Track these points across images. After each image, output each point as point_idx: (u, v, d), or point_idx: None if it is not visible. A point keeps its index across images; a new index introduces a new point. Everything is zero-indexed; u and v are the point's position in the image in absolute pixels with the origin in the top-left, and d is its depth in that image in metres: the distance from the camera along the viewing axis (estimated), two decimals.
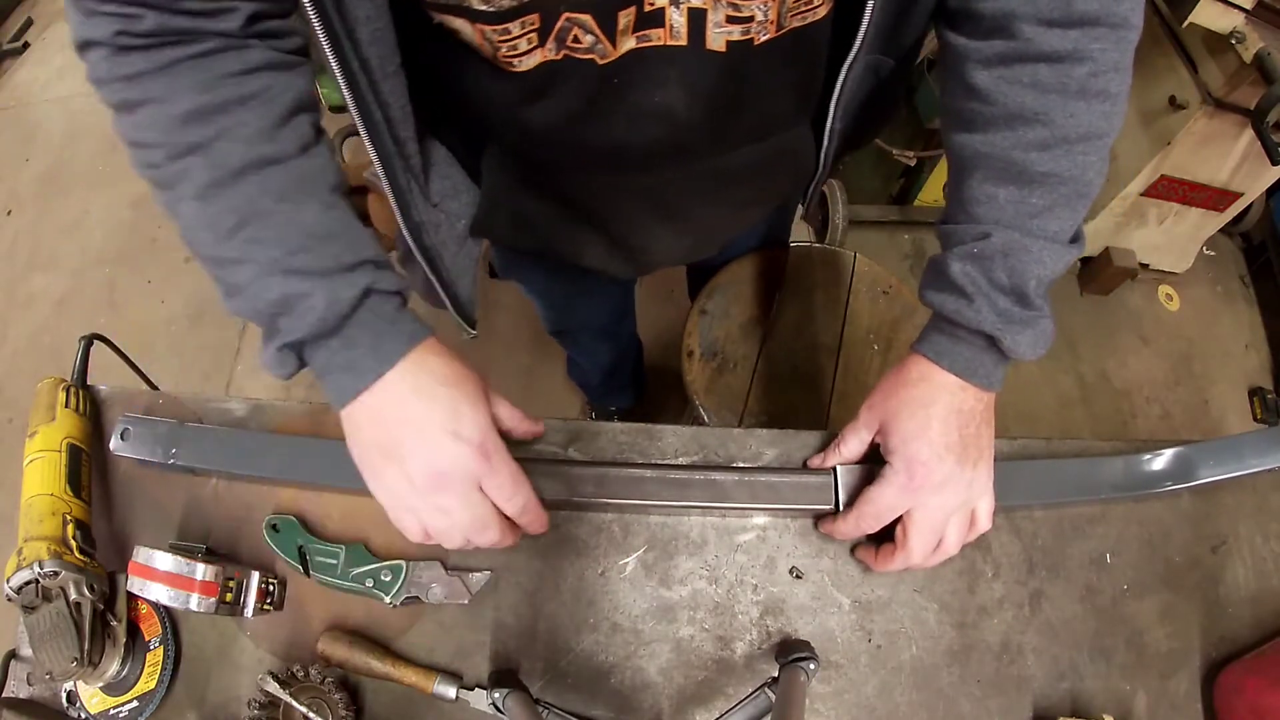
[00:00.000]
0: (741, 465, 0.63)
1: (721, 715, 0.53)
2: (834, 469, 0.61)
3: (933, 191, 1.98)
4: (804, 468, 0.63)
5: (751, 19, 0.47)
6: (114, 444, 0.62)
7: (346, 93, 0.48)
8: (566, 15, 0.45)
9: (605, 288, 1.08)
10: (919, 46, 0.63)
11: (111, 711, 0.58)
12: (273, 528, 0.61)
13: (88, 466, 0.61)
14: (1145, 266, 2.00)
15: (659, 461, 0.65)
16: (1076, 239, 0.52)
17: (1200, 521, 0.66)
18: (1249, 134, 1.55)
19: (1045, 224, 0.50)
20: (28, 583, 0.53)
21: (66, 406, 0.62)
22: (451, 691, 0.57)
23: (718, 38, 0.48)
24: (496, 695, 0.55)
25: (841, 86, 0.58)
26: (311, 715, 0.54)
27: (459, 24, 0.46)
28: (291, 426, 0.66)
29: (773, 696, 0.52)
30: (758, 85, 0.54)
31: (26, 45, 2.53)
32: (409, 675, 0.57)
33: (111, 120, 0.47)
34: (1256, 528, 0.67)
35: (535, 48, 0.47)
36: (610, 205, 0.66)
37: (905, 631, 0.61)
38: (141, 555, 0.54)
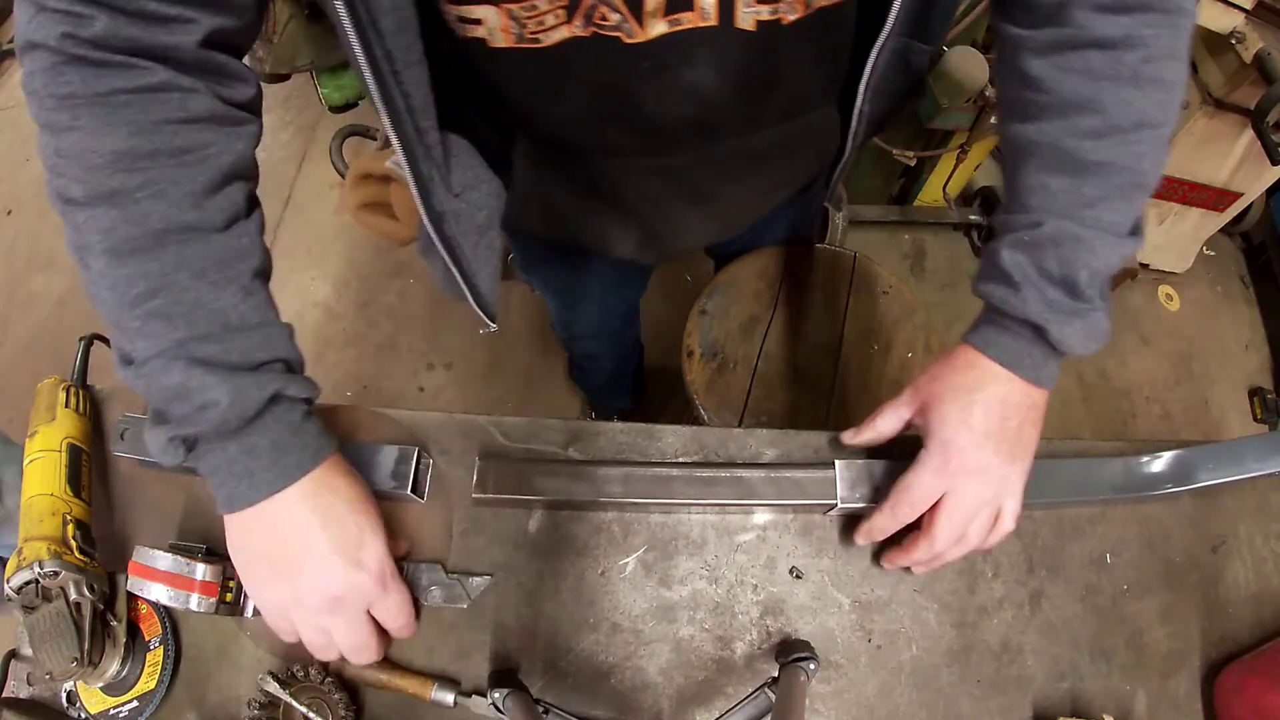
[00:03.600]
0: (741, 462, 0.63)
1: (721, 715, 0.53)
2: (833, 464, 0.61)
3: (932, 191, 1.99)
4: (807, 464, 0.63)
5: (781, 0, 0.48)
6: (114, 444, 0.62)
7: (371, 82, 0.46)
8: None
9: (619, 290, 1.08)
10: (945, 31, 0.63)
11: (111, 711, 0.58)
12: None
13: (88, 466, 0.61)
14: (1145, 266, 2.00)
15: (659, 461, 0.65)
16: (1135, 231, 0.51)
17: (1200, 522, 0.66)
18: (1249, 134, 1.55)
19: (1099, 214, 0.49)
20: (28, 583, 0.53)
21: (67, 406, 0.62)
22: (450, 698, 0.56)
23: (747, 17, 0.48)
24: (496, 695, 0.55)
25: (871, 69, 0.57)
26: (311, 715, 0.54)
27: (483, 12, 0.46)
28: None
29: (773, 696, 0.52)
30: (786, 64, 0.54)
31: None
32: (407, 685, 0.57)
33: (37, 132, 0.43)
34: (1256, 528, 0.67)
35: (562, 24, 0.46)
36: (639, 189, 0.66)
37: (905, 631, 0.61)
38: (141, 555, 0.54)
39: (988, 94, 1.53)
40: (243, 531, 0.49)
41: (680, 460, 0.65)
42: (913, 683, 0.60)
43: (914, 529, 0.58)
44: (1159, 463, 0.64)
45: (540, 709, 0.55)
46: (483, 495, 0.60)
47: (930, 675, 0.60)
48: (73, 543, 0.56)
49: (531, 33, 0.47)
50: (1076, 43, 0.48)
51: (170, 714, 0.59)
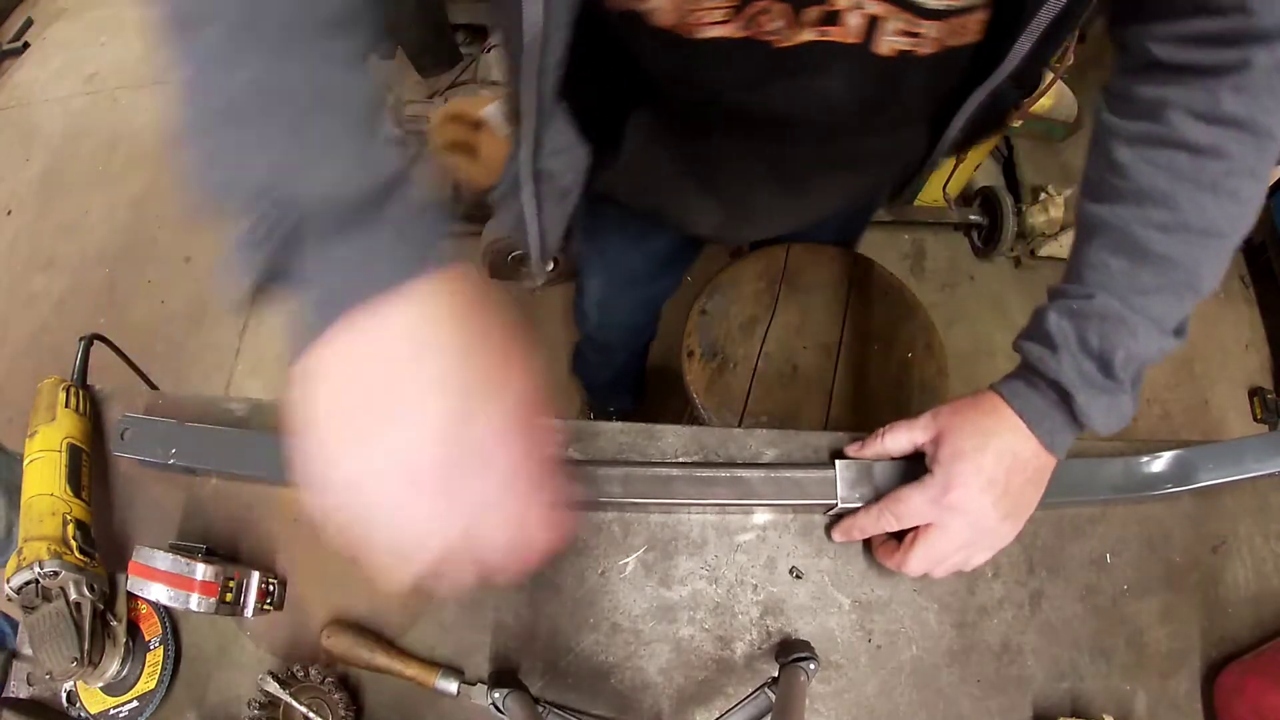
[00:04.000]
0: (741, 463, 0.63)
1: (721, 715, 0.53)
2: (833, 464, 0.61)
3: (932, 191, 1.99)
4: (807, 464, 0.63)
5: (920, 35, 0.51)
6: (114, 444, 0.62)
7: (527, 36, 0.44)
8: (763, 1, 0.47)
9: (664, 276, 1.10)
10: (1039, 81, 0.67)
11: (111, 711, 0.58)
12: None
13: (88, 466, 0.61)
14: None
15: (659, 461, 0.65)
16: (1179, 332, 0.52)
17: (1200, 522, 0.66)
18: None
19: (1149, 303, 0.51)
20: (28, 583, 0.53)
21: (67, 406, 0.62)
22: (453, 686, 0.56)
23: (887, 45, 0.51)
24: (497, 695, 0.55)
25: (971, 107, 0.61)
26: (311, 715, 0.54)
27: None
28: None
29: (773, 696, 0.52)
30: (908, 89, 0.58)
31: (26, 45, 2.53)
32: (411, 668, 0.57)
33: None
34: (1256, 528, 0.67)
35: (723, 22, 0.49)
36: (739, 173, 0.69)
37: (905, 631, 0.61)
38: (141, 555, 0.54)
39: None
40: (335, 367, 0.33)
41: (680, 460, 0.65)
42: (913, 683, 0.60)
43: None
44: (1159, 463, 0.64)
45: (540, 709, 0.55)
46: None
47: (930, 675, 0.60)
48: (73, 543, 0.56)
49: (692, 22, 0.49)
50: (1167, 141, 0.50)
51: (170, 714, 0.59)
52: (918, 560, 0.57)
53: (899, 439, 0.60)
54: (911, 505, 0.56)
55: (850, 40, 0.50)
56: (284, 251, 0.33)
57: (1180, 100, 0.50)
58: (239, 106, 0.34)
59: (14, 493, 0.62)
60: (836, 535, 0.62)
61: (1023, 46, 0.53)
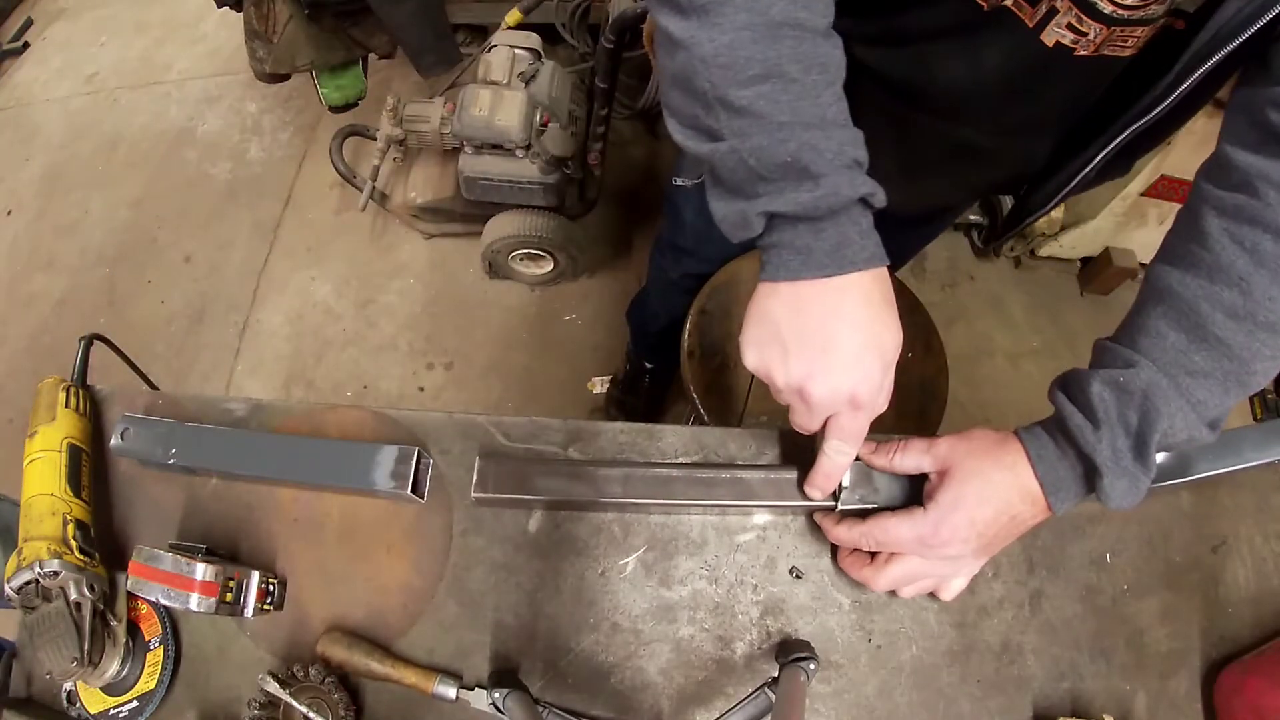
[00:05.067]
0: (741, 463, 0.63)
1: (721, 715, 0.53)
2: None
3: None
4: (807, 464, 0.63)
5: (1085, 35, 0.54)
6: (114, 444, 0.62)
7: None
8: None
9: None
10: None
11: (111, 711, 0.58)
12: None
13: (88, 466, 0.61)
14: (1145, 266, 2.00)
15: (659, 461, 0.65)
16: (1214, 425, 0.51)
17: (1200, 521, 0.66)
18: None
19: (1194, 387, 0.49)
20: (28, 583, 0.53)
21: (66, 406, 0.62)
22: (451, 691, 0.57)
23: (1052, 35, 0.54)
24: (496, 695, 0.55)
25: (1114, 142, 0.61)
26: (311, 715, 0.54)
27: None
28: (291, 426, 0.66)
29: (773, 696, 0.52)
30: (1052, 86, 0.60)
31: (26, 45, 2.53)
32: (409, 676, 0.57)
33: None
34: (1256, 528, 0.67)
35: None
36: (868, 125, 0.70)
37: (905, 631, 0.61)
38: (141, 555, 0.54)
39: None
40: (780, 300, 0.50)
41: (680, 461, 0.65)
42: (913, 683, 0.60)
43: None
44: (1158, 456, 0.64)
45: (540, 709, 0.55)
46: (483, 495, 0.60)
47: (930, 675, 0.60)
48: (73, 543, 0.56)
49: None
50: (1258, 219, 0.48)
51: (170, 714, 0.59)
52: (887, 581, 0.57)
53: (908, 460, 0.59)
54: (896, 537, 0.56)
55: (1029, 22, 0.54)
56: (764, 223, 0.49)
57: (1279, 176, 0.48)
58: (740, 105, 0.46)
59: (9, 539, 0.62)
60: (820, 521, 0.62)
61: (1173, 84, 0.53)
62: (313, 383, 1.86)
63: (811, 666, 0.54)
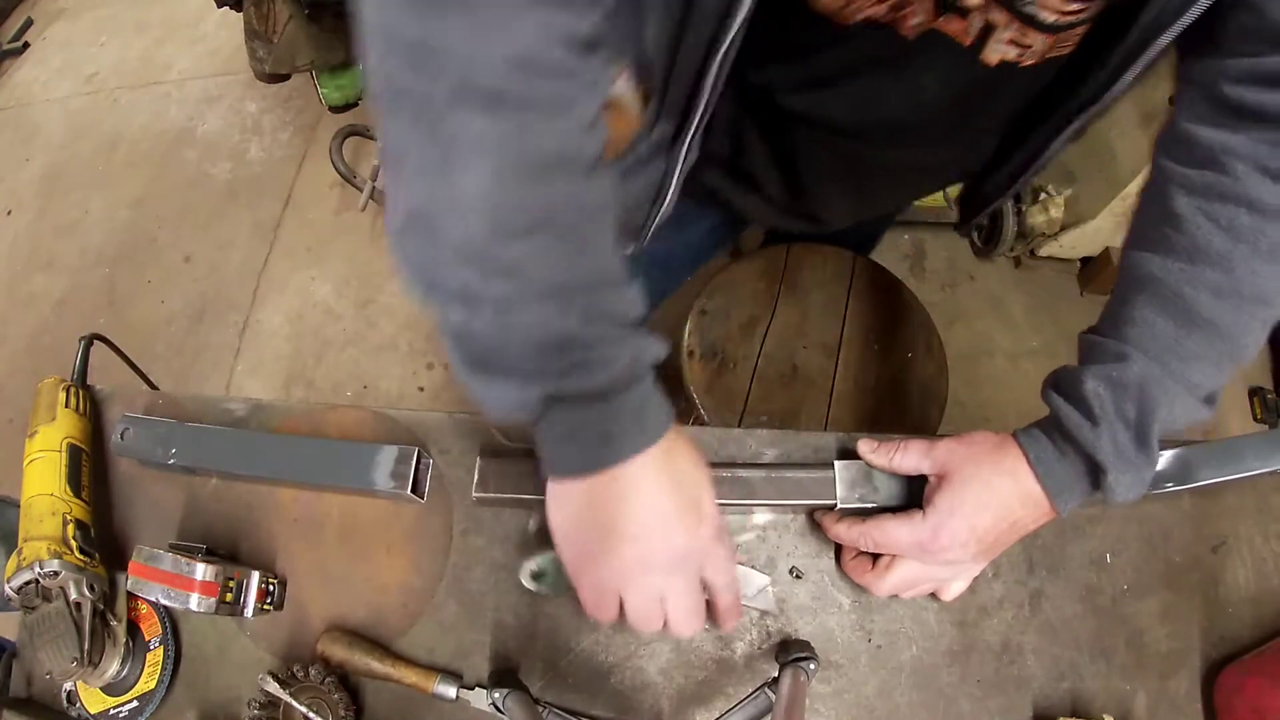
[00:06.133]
0: (741, 463, 0.63)
1: (721, 715, 0.53)
2: (833, 465, 0.61)
3: None
4: (807, 464, 0.63)
5: (1029, 47, 0.50)
6: (114, 444, 0.62)
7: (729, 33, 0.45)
8: None
9: (690, 267, 1.06)
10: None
11: (111, 711, 0.58)
12: (535, 576, 0.60)
13: (88, 466, 0.61)
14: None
15: None
16: (1210, 401, 0.50)
17: (1200, 521, 0.66)
18: None
19: (1189, 371, 0.49)
20: (28, 583, 0.53)
21: (66, 406, 0.62)
22: (451, 691, 0.57)
23: (995, 52, 0.50)
24: (496, 695, 0.55)
25: (1071, 126, 0.59)
26: (311, 715, 0.54)
27: None
28: (291, 426, 0.66)
29: (773, 696, 0.52)
30: (998, 100, 0.58)
31: (26, 45, 2.53)
32: (409, 675, 0.57)
33: (375, 14, 0.36)
34: (1256, 528, 0.67)
35: (874, 4, 0.48)
36: (814, 163, 0.68)
37: (905, 631, 0.61)
38: (141, 555, 0.55)
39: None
40: (570, 498, 0.46)
41: None
42: (913, 683, 0.60)
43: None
44: (1161, 461, 0.64)
45: (540, 709, 0.55)
46: (484, 495, 0.60)
47: (930, 675, 0.60)
48: (73, 543, 0.56)
49: (851, 9, 0.49)
50: (1229, 196, 0.47)
51: (170, 714, 0.59)
52: (888, 586, 0.57)
53: (908, 461, 0.58)
54: (895, 539, 0.55)
55: (965, 42, 0.50)
56: (542, 410, 0.42)
57: (1247, 151, 0.47)
58: (504, 264, 0.38)
59: (10, 539, 0.63)
60: (821, 522, 0.62)
61: (1120, 68, 0.51)
62: (313, 383, 1.86)
63: (811, 666, 0.54)
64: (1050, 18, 0.47)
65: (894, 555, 0.57)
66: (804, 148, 0.67)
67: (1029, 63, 0.51)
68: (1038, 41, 0.49)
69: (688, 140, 0.57)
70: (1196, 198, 0.49)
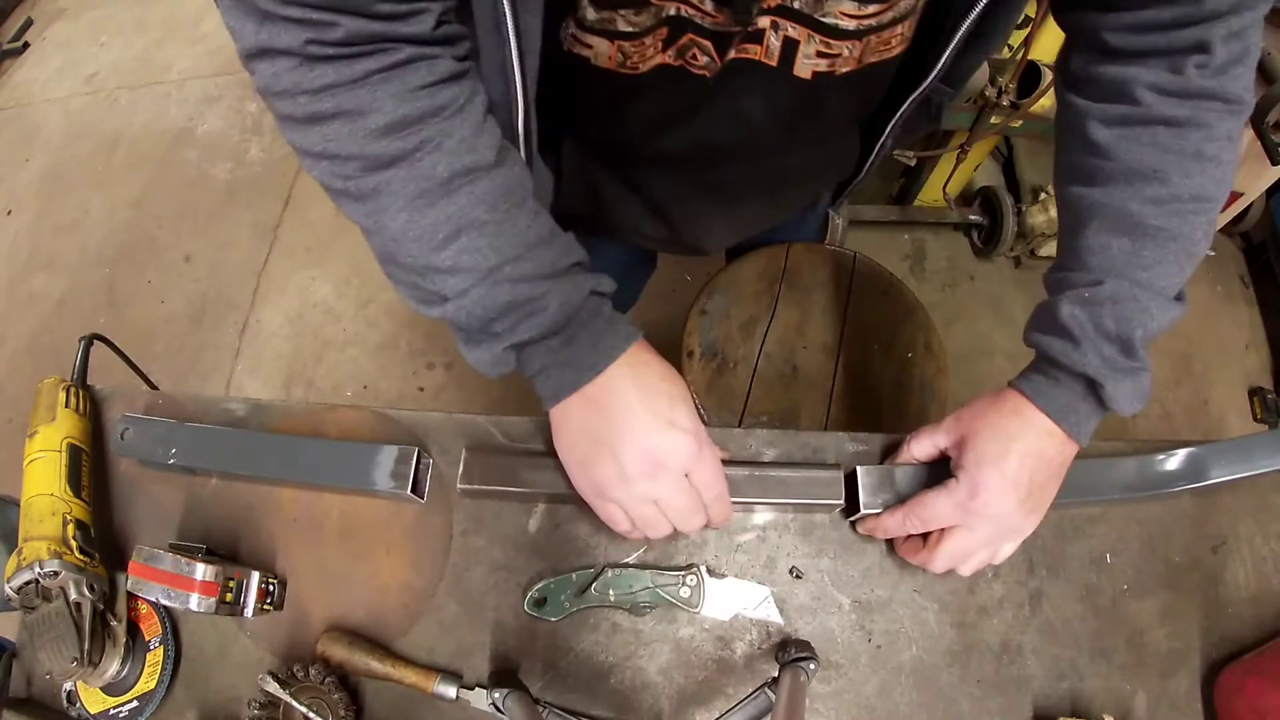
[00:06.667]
0: (742, 461, 0.63)
1: (721, 715, 0.53)
2: (855, 469, 0.61)
3: (932, 191, 1.98)
4: (810, 464, 0.63)
5: (839, 55, 0.52)
6: (114, 444, 0.62)
7: (516, 84, 0.51)
8: (690, 36, 0.50)
9: (624, 280, 1.09)
10: (970, 76, 0.68)
11: (111, 711, 0.58)
12: (537, 603, 0.60)
13: (88, 466, 0.61)
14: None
15: None
16: (1181, 297, 0.53)
17: (1200, 521, 0.66)
18: (1249, 134, 1.55)
19: (1154, 277, 0.51)
20: (28, 583, 0.53)
21: (67, 406, 0.62)
22: (451, 691, 0.57)
23: (805, 67, 0.53)
24: (496, 695, 0.55)
25: (902, 113, 0.63)
26: (311, 715, 0.54)
27: (595, 41, 0.51)
28: (291, 426, 0.66)
29: (773, 696, 0.52)
30: (830, 107, 0.60)
31: (26, 45, 2.53)
32: (409, 675, 0.57)
33: (285, 129, 0.46)
34: (1256, 528, 0.67)
35: (657, 54, 0.51)
36: (673, 194, 0.72)
37: (905, 631, 0.61)
38: (141, 555, 0.54)
39: (987, 94, 1.53)
40: (566, 419, 0.53)
41: None
42: (913, 683, 0.60)
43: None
44: (1172, 461, 0.64)
45: (540, 709, 0.55)
46: (469, 486, 0.59)
47: (930, 675, 0.60)
48: (73, 543, 0.56)
49: (631, 62, 0.52)
50: (1145, 119, 0.51)
51: (170, 714, 0.59)
52: (943, 559, 0.57)
53: (923, 445, 0.60)
54: (937, 510, 0.56)
55: (771, 63, 0.52)
56: (516, 359, 0.51)
57: (1148, 80, 0.51)
58: (445, 266, 0.48)
59: (10, 539, 0.63)
60: (862, 529, 0.63)
61: (949, 57, 0.55)
62: (313, 383, 1.86)
63: (811, 666, 0.54)
64: (850, 24, 0.49)
65: (942, 531, 0.57)
66: (657, 184, 0.71)
67: (846, 69, 0.53)
68: (845, 49, 0.52)
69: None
70: (1115, 127, 0.52)
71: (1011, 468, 0.54)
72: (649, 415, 0.51)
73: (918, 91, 0.60)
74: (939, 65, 0.56)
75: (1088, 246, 0.53)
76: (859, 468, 0.61)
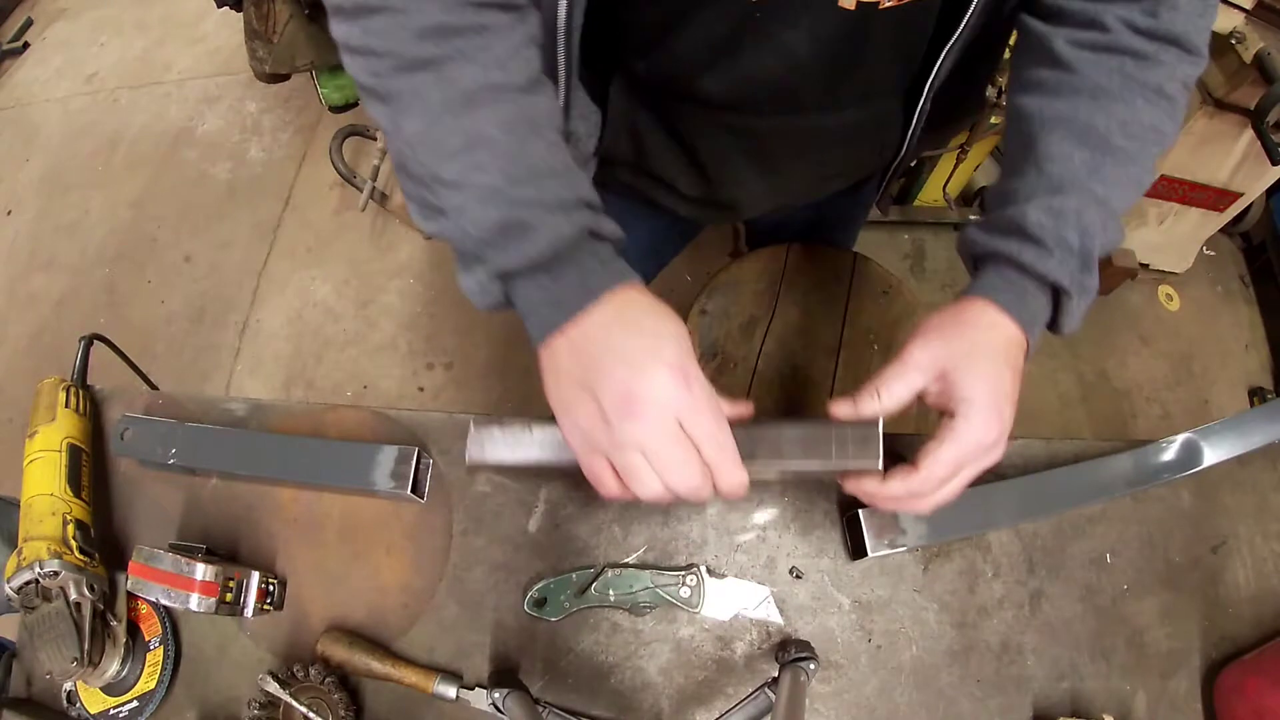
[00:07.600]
0: (767, 421, 0.55)
1: (721, 715, 0.53)
2: (857, 512, 0.59)
3: (932, 191, 1.98)
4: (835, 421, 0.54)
5: None
6: (114, 444, 0.62)
7: (563, 10, 0.51)
8: None
9: (651, 257, 1.07)
10: (1005, 46, 0.67)
11: (111, 711, 0.58)
12: (537, 603, 0.60)
13: (88, 466, 0.61)
14: (1145, 266, 2.00)
15: None
16: (1120, 223, 0.53)
17: (1200, 521, 0.66)
18: (1249, 134, 1.55)
19: (1110, 194, 0.51)
20: (28, 583, 0.53)
21: (67, 406, 0.62)
22: (451, 691, 0.57)
23: None
24: (497, 695, 0.55)
25: (939, 68, 0.62)
26: (311, 715, 0.54)
27: None
28: (291, 426, 0.66)
29: (773, 696, 0.52)
30: (872, 47, 0.59)
31: (26, 45, 2.53)
32: (409, 675, 0.57)
33: (334, 22, 0.48)
34: (1256, 528, 0.67)
35: None
36: (716, 146, 0.70)
37: (905, 631, 0.61)
38: (141, 555, 0.54)
39: (987, 94, 1.53)
40: (553, 360, 0.50)
41: None
42: (913, 683, 0.60)
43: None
44: (1168, 450, 0.64)
45: (540, 709, 0.55)
46: (479, 460, 0.55)
47: (930, 675, 0.60)
48: (73, 543, 0.56)
49: None
50: (1112, 47, 0.52)
51: (170, 714, 0.59)
52: (954, 494, 0.52)
53: (897, 391, 0.52)
54: (958, 459, 0.50)
55: None
56: (503, 290, 0.49)
57: (1117, 15, 0.52)
58: (451, 179, 0.47)
59: (10, 539, 0.63)
60: (860, 495, 0.55)
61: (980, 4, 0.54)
62: (313, 383, 1.86)
63: (811, 666, 0.54)
64: None
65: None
66: (699, 131, 0.69)
67: (890, 4, 0.53)
68: None
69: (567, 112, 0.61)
70: (1084, 48, 0.53)
71: (1004, 387, 0.51)
72: (630, 350, 0.47)
73: (951, 41, 0.58)
74: (968, 12, 0.55)
75: (1048, 154, 0.52)
76: (860, 511, 0.60)
